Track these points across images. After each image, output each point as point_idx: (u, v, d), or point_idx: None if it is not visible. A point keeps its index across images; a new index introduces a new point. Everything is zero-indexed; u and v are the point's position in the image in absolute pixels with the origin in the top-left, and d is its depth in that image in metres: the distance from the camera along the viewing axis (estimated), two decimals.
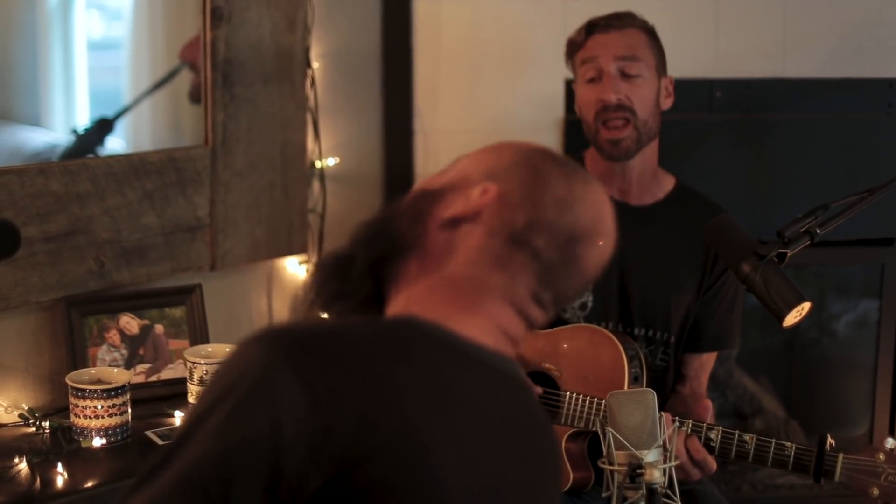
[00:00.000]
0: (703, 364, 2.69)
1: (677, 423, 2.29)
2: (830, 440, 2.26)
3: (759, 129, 3.19)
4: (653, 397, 2.03)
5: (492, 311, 1.44)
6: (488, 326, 1.43)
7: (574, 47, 2.63)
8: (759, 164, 3.18)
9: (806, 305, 2.23)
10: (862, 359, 3.47)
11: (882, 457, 2.19)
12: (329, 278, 1.47)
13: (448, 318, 1.40)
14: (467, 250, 1.44)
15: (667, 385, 2.63)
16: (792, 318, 2.24)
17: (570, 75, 2.79)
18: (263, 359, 1.21)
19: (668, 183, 2.66)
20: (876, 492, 2.19)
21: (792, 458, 2.26)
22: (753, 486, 3.43)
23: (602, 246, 1.50)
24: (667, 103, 2.62)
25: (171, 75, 2.89)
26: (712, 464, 2.28)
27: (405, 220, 1.47)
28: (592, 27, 2.59)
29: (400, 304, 1.44)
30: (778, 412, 3.51)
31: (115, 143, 2.77)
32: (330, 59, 3.06)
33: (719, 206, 2.65)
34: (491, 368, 1.42)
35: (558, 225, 1.45)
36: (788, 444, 2.27)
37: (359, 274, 1.45)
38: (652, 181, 2.64)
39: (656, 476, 1.99)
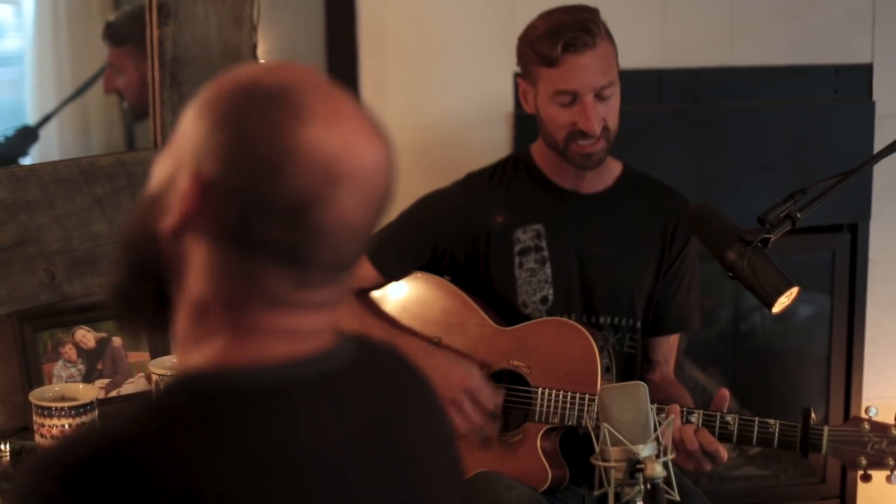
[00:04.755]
0: (671, 347, 2.69)
1: (671, 418, 2.26)
2: (814, 414, 2.26)
3: (708, 118, 3.18)
4: (644, 390, 1.99)
5: (263, 324, 1.18)
6: (272, 340, 1.18)
7: (540, 59, 2.50)
8: (708, 152, 3.17)
9: (794, 290, 2.22)
10: (804, 346, 3.49)
11: (867, 426, 2.21)
12: (114, 297, 1.24)
13: (226, 354, 1.17)
14: (199, 265, 1.17)
15: (636, 371, 2.60)
16: (781, 304, 2.23)
17: (519, 69, 2.74)
18: None
19: (615, 168, 2.64)
20: (864, 461, 2.20)
21: (777, 434, 2.25)
22: (711, 478, 3.41)
23: (358, 187, 1.15)
24: None
25: (94, 79, 2.80)
26: (724, 453, 2.26)
27: (145, 245, 1.20)
28: (567, 45, 2.45)
29: (178, 339, 1.22)
30: (731, 405, 3.50)
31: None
32: (274, 56, 2.97)
33: (669, 187, 2.65)
34: (297, 389, 1.18)
35: (273, 200, 1.13)
36: (772, 421, 2.27)
37: (137, 296, 1.22)
38: (601, 169, 2.60)
39: (658, 471, 1.95)
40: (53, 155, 2.69)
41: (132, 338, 2.51)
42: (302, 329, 1.20)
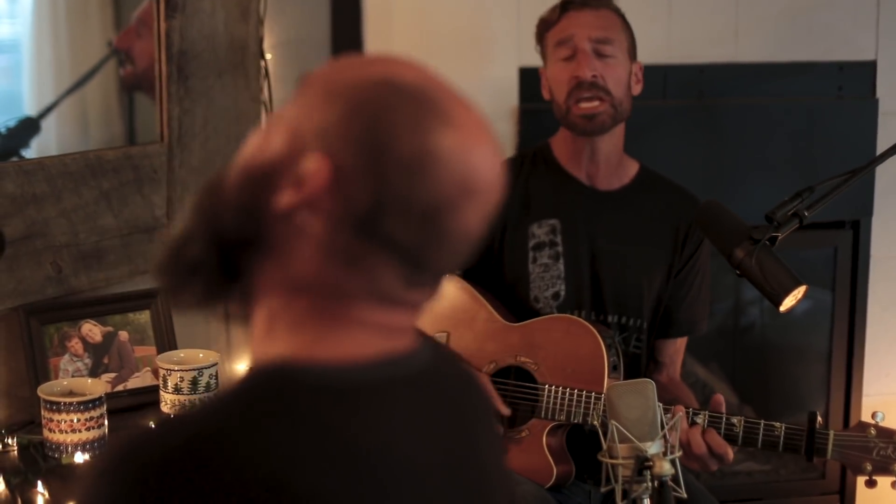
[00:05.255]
0: (678, 349, 2.68)
1: (679, 415, 2.26)
2: (819, 418, 2.25)
3: (712, 113, 3.18)
4: (652, 387, 1.99)
5: (362, 317, 1.17)
6: (366, 335, 1.17)
7: (546, 26, 2.58)
8: (712, 148, 3.17)
9: (802, 289, 2.22)
10: (805, 342, 3.49)
11: (873, 431, 2.19)
12: (173, 265, 1.21)
13: (318, 344, 1.16)
14: (311, 247, 1.14)
15: (641, 372, 2.60)
16: (789, 303, 2.23)
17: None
18: (113, 501, 1.04)
19: (632, 167, 2.64)
20: (869, 467, 2.19)
21: (782, 438, 2.24)
22: (712, 473, 3.40)
23: (483, 201, 1.17)
24: (636, 89, 2.60)
25: (97, 68, 2.77)
26: (731, 454, 2.25)
27: (237, 215, 1.17)
28: (567, 5, 2.55)
29: (262, 320, 1.19)
30: (731, 400, 3.51)
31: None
32: (280, 49, 2.96)
33: (684, 189, 2.64)
34: (382, 386, 1.17)
35: (410, 200, 1.12)
36: (777, 424, 2.26)
37: (201, 263, 1.18)
38: (618, 165, 2.61)
39: (666, 468, 1.95)
40: (51, 146, 2.67)
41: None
42: (396, 326, 1.20)
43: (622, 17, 2.58)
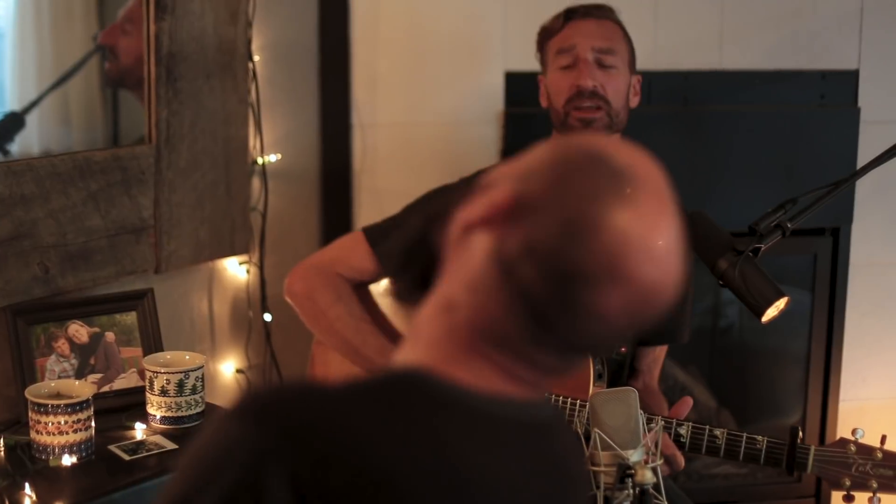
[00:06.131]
0: (656, 358, 2.70)
1: (661, 424, 2.28)
2: (801, 433, 2.27)
3: (696, 120, 3.20)
4: (635, 396, 2.01)
5: (489, 354, 1.22)
6: (493, 371, 1.23)
7: (548, 34, 2.60)
8: (695, 154, 3.19)
9: (784, 300, 2.24)
10: (783, 345, 3.52)
11: (853, 448, 2.22)
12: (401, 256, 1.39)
13: (449, 361, 1.23)
14: (469, 270, 1.21)
15: (622, 379, 2.61)
16: (771, 314, 2.25)
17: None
18: (246, 443, 1.12)
19: None
20: (847, 482, 2.21)
21: (763, 451, 2.27)
22: (689, 476, 3.44)
23: (634, 295, 1.18)
24: (634, 101, 2.62)
25: (83, 62, 2.76)
26: (681, 460, 2.28)
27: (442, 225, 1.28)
28: (570, 14, 2.58)
29: (415, 326, 1.29)
30: (709, 402, 3.54)
31: None
32: (268, 51, 2.96)
33: None
34: (500, 421, 1.23)
35: (555, 255, 1.16)
36: (760, 437, 2.28)
37: (407, 270, 1.35)
38: None
39: (648, 476, 1.97)
40: (33, 143, 2.66)
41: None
42: (520, 375, 1.24)
43: (624, 29, 2.59)
